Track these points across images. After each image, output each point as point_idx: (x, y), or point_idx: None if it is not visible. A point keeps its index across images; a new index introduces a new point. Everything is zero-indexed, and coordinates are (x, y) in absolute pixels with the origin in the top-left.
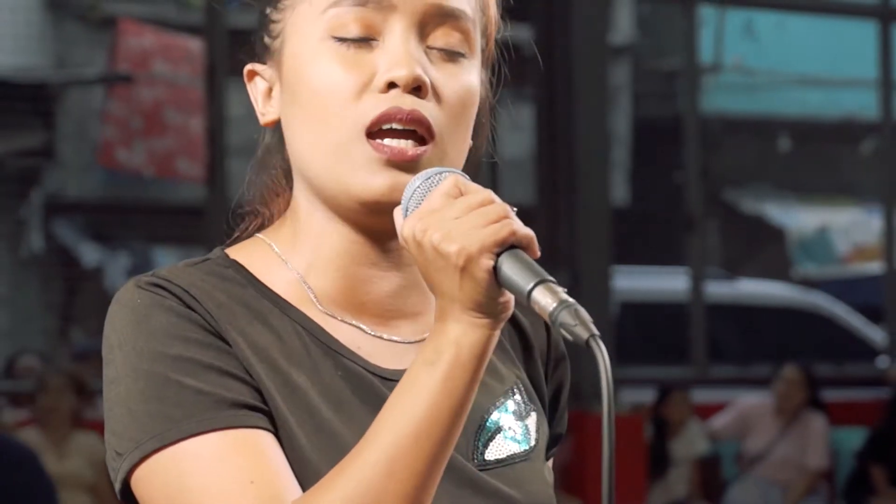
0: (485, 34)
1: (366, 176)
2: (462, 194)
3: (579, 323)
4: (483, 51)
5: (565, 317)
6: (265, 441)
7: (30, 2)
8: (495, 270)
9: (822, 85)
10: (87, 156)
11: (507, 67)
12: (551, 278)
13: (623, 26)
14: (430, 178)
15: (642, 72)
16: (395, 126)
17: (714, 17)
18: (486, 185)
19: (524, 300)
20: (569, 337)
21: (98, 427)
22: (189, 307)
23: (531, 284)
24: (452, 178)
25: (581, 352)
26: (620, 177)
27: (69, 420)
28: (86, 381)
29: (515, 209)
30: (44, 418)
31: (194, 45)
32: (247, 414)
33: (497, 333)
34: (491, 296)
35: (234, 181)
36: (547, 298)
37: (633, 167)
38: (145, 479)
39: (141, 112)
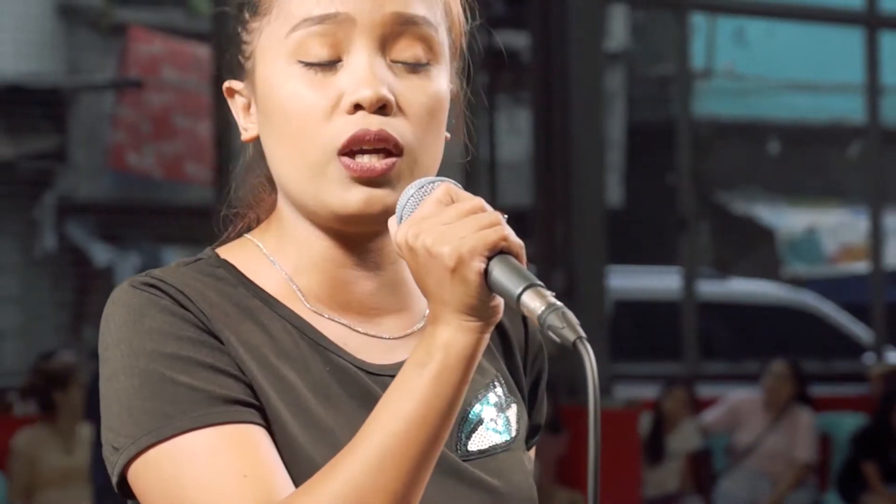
0: (450, 33)
1: (341, 192)
2: (453, 202)
3: (567, 325)
4: (450, 50)
5: (553, 320)
6: (258, 436)
7: (43, 9)
8: (486, 274)
9: (810, 90)
10: (98, 159)
11: (502, 72)
12: (540, 283)
13: (617, 33)
14: (423, 186)
15: (636, 77)
16: (364, 147)
17: (706, 24)
18: (485, 188)
19: (513, 304)
20: (556, 339)
21: None
22: (183, 306)
23: (521, 288)
24: (444, 187)
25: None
26: (615, 179)
27: (75, 414)
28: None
29: (506, 216)
30: (51, 413)
31: (202, 51)
32: (239, 410)
33: (486, 337)
34: (481, 299)
35: None
36: (535, 302)
37: (628, 170)
38: (141, 473)
39: (150, 116)
